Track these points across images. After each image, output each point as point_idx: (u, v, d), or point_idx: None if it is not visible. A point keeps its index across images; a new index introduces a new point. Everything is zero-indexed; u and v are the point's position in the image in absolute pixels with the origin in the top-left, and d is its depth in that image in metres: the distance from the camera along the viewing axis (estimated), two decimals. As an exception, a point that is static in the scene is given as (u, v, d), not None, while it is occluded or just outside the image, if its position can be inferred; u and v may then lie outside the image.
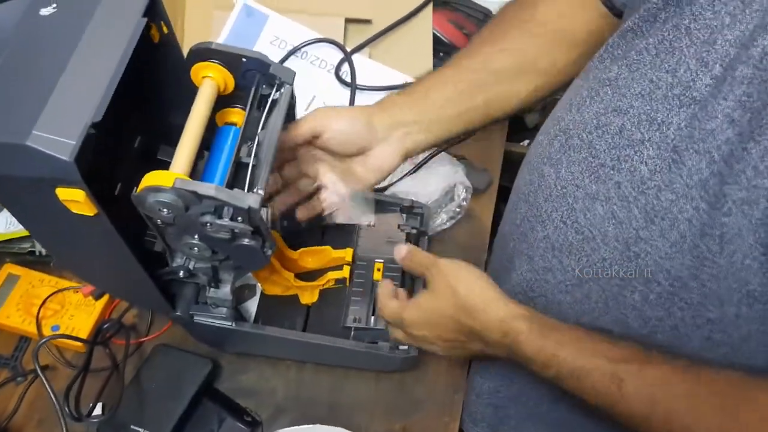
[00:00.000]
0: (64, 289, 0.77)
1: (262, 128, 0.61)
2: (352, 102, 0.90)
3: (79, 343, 0.73)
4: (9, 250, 0.79)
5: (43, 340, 0.65)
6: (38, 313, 0.74)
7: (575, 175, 0.55)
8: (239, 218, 0.54)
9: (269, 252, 0.59)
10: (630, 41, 0.54)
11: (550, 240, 0.58)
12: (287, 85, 0.62)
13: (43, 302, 0.75)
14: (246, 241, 0.57)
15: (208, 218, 0.54)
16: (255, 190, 0.55)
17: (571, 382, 0.52)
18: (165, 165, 0.71)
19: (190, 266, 0.63)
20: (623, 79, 0.53)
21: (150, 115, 0.67)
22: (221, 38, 0.93)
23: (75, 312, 0.75)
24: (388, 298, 0.64)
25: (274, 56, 0.93)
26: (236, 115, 0.67)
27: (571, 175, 0.55)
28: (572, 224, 0.55)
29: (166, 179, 0.53)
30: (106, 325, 0.74)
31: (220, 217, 0.54)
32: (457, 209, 0.87)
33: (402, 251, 0.66)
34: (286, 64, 0.93)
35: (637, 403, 0.48)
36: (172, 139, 0.71)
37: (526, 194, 0.63)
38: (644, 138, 0.49)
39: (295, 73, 0.63)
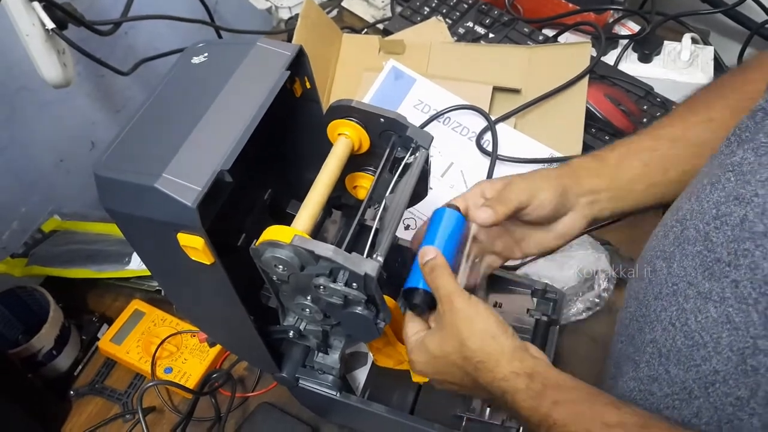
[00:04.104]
0: (183, 332, 0.77)
1: (391, 192, 0.58)
2: (490, 173, 0.85)
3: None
4: (139, 286, 0.82)
5: (149, 384, 0.65)
6: (155, 353, 0.74)
7: (688, 271, 0.48)
8: (354, 284, 0.51)
9: (382, 324, 0.55)
10: (759, 122, 0.47)
11: (657, 344, 0.51)
12: (423, 150, 0.59)
13: (161, 342, 0.75)
14: (359, 310, 0.53)
15: (322, 281, 0.51)
16: (374, 256, 0.52)
17: None
18: (293, 220, 0.71)
19: (301, 327, 0.60)
20: (748, 164, 0.46)
21: (284, 168, 0.67)
22: (367, 98, 0.93)
23: (189, 356, 0.75)
24: (412, 321, 0.59)
25: (417, 120, 0.91)
26: (366, 181, 0.64)
27: (684, 270, 0.49)
28: (681, 327, 0.48)
29: (285, 235, 0.51)
30: (215, 375, 0.73)
31: (334, 280, 0.51)
32: (597, 300, 0.78)
33: (428, 254, 0.56)
34: (428, 128, 0.90)
35: None
36: (303, 194, 0.71)
37: (636, 291, 0.56)
38: (766, 231, 0.42)
39: (432, 137, 0.60)
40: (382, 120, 0.60)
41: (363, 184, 0.65)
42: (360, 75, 0.97)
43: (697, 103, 0.65)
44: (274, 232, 0.51)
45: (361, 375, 0.73)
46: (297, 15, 1.23)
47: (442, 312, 0.55)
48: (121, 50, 1.01)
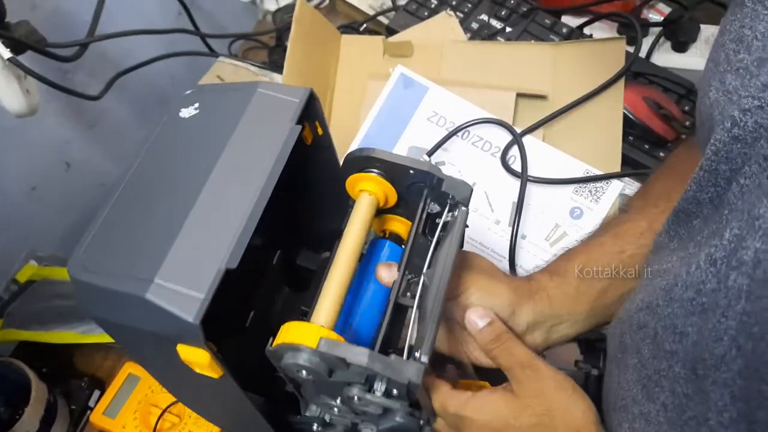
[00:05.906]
0: (185, 399, 0.68)
1: (428, 267, 0.48)
2: (521, 196, 0.76)
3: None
4: (132, 348, 0.72)
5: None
6: (155, 427, 0.65)
7: (630, 385, 0.45)
8: (394, 391, 0.42)
9: (428, 429, 0.46)
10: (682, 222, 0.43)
11: None
12: (462, 208, 0.49)
13: (162, 413, 0.67)
14: (398, 418, 0.44)
15: (356, 391, 0.42)
16: (417, 355, 0.43)
17: None
18: (305, 273, 0.62)
19: (326, 418, 0.51)
20: (655, 270, 0.44)
21: (294, 223, 0.57)
22: (374, 111, 0.83)
23: (193, 427, 0.67)
24: (447, 384, 0.50)
25: (431, 134, 0.81)
26: (396, 223, 0.55)
27: (627, 384, 0.45)
28: None
29: (310, 337, 0.41)
30: (224, 452, 0.65)
31: (370, 390, 0.42)
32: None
33: (483, 315, 0.50)
34: (445, 144, 0.80)
35: None
36: (316, 243, 0.61)
37: (603, 393, 0.51)
38: (672, 350, 0.38)
39: (472, 189, 0.50)
40: (411, 172, 0.50)
41: (393, 227, 0.56)
42: (364, 83, 0.86)
43: (653, 194, 0.58)
44: (294, 333, 0.42)
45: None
46: (285, 7, 1.11)
47: (521, 379, 0.49)
48: (90, 60, 0.89)
